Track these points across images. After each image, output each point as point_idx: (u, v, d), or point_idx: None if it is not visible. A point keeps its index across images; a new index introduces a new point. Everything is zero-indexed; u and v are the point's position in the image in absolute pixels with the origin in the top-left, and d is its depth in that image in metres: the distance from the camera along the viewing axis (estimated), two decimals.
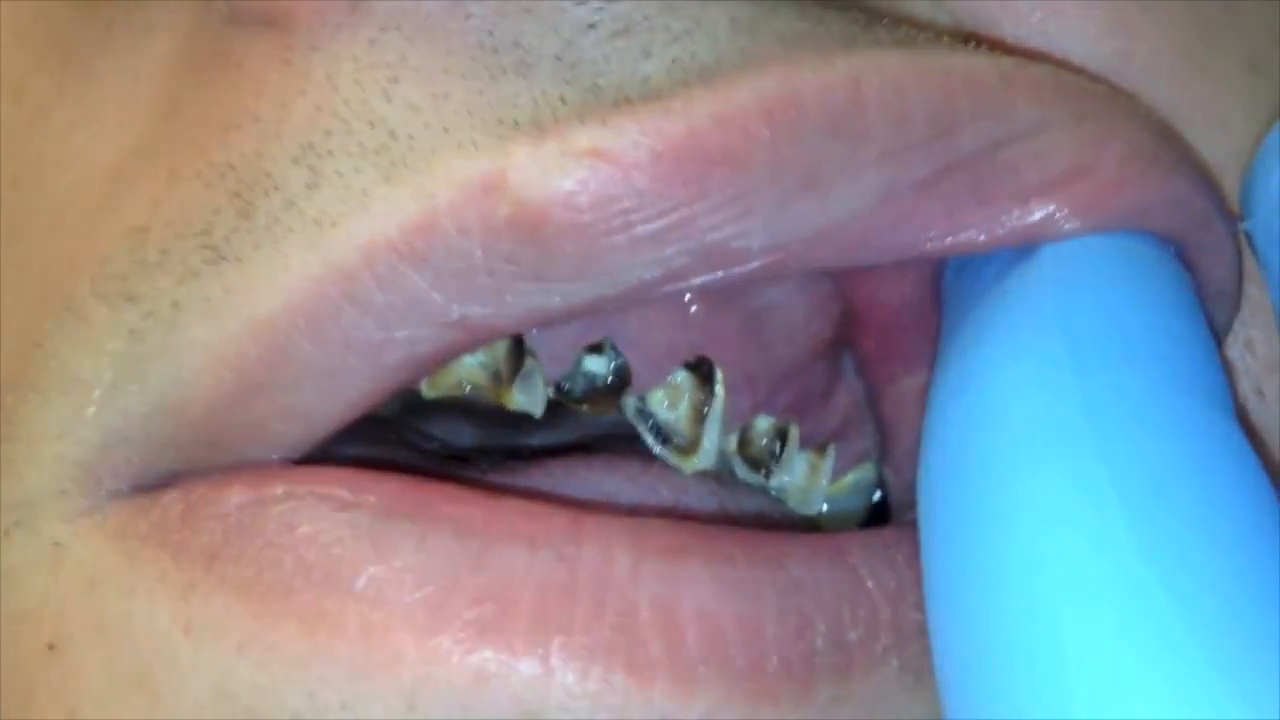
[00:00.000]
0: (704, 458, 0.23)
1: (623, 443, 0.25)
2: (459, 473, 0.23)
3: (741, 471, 0.25)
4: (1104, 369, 0.18)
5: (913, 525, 0.22)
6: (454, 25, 0.19)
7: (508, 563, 0.19)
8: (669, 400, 0.24)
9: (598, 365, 0.23)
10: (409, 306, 0.19)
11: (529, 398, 0.23)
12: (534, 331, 0.22)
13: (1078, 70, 0.21)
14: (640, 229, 0.19)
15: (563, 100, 0.19)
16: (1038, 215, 0.20)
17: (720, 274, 0.20)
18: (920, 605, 0.20)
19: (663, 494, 0.24)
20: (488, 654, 0.18)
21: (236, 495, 0.20)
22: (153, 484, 0.21)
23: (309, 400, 0.20)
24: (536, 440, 0.27)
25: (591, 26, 0.19)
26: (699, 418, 0.24)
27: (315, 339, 0.19)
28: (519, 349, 0.23)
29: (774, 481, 0.25)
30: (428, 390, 0.22)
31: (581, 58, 0.19)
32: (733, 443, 0.24)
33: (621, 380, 0.23)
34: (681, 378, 0.24)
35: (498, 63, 0.19)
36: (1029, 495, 0.17)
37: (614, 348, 0.23)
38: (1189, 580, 0.16)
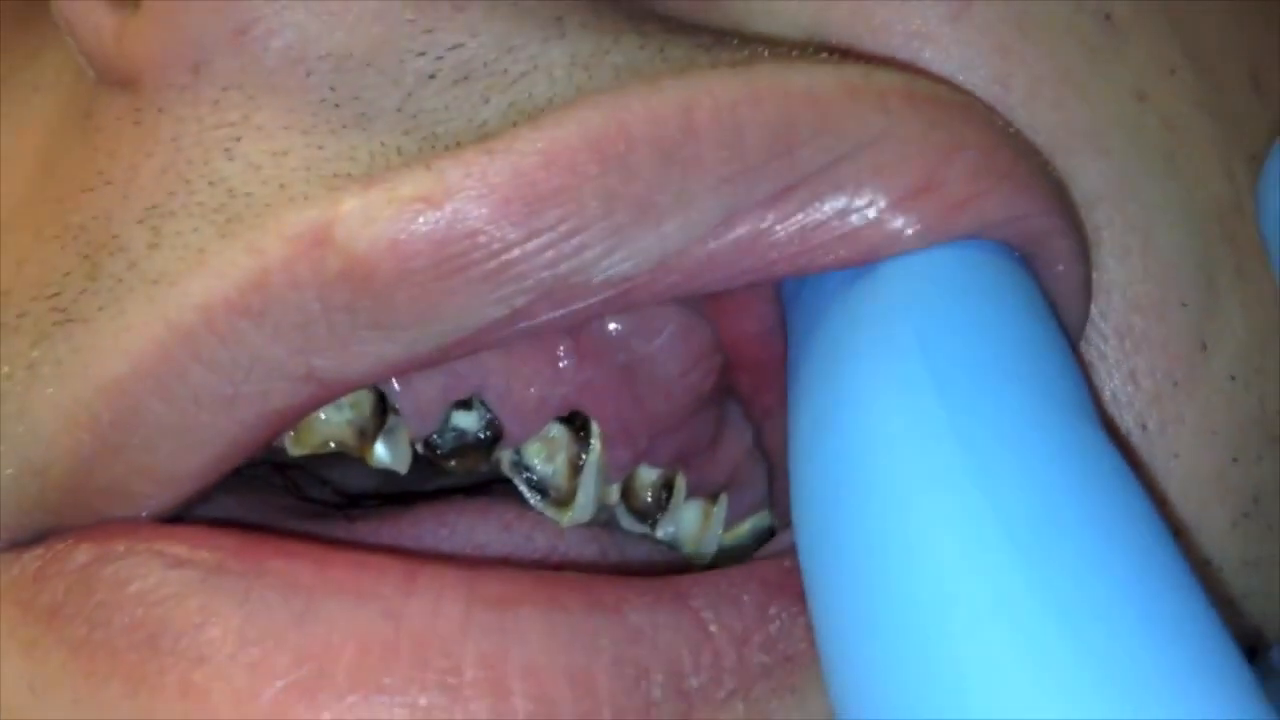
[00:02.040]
0: (580, 511, 0.23)
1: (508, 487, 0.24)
2: (324, 528, 0.23)
3: (626, 522, 0.24)
4: (969, 392, 0.18)
5: (763, 561, 0.21)
6: (294, 83, 0.19)
7: (331, 618, 0.18)
8: (546, 453, 0.23)
9: (468, 421, 0.23)
10: (253, 361, 0.19)
11: (393, 455, 0.22)
12: (397, 388, 0.22)
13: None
14: (473, 271, 0.18)
15: (399, 150, 0.19)
16: (881, 233, 0.19)
17: (563, 311, 0.19)
18: (767, 646, 0.19)
19: (538, 542, 0.23)
20: (305, 717, 0.18)
21: (83, 553, 0.20)
22: (27, 541, 0.21)
23: (167, 459, 0.20)
24: (433, 486, 0.27)
25: (432, 77, 0.19)
26: (576, 470, 0.23)
27: (163, 398, 0.19)
28: (384, 406, 0.22)
29: (660, 532, 0.24)
30: (293, 448, 0.22)
31: (422, 108, 0.19)
32: (615, 494, 0.24)
33: (495, 434, 0.23)
34: (556, 431, 0.23)
35: (339, 117, 0.19)
36: (915, 545, 0.16)
37: (483, 403, 0.23)
38: (1078, 609, 0.16)
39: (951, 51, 0.21)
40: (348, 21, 0.19)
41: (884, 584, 0.17)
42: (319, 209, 0.19)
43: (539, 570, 0.20)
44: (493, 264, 0.18)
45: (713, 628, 0.19)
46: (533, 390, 0.23)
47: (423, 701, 0.18)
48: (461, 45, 0.19)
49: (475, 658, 0.18)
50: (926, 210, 0.19)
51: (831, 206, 0.19)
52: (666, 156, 0.18)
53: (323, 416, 0.22)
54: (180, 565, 0.19)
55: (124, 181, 0.20)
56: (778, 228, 0.19)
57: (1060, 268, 0.20)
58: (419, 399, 0.22)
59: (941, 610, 0.16)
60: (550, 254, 0.18)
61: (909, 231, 0.19)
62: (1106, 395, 0.22)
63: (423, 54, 0.19)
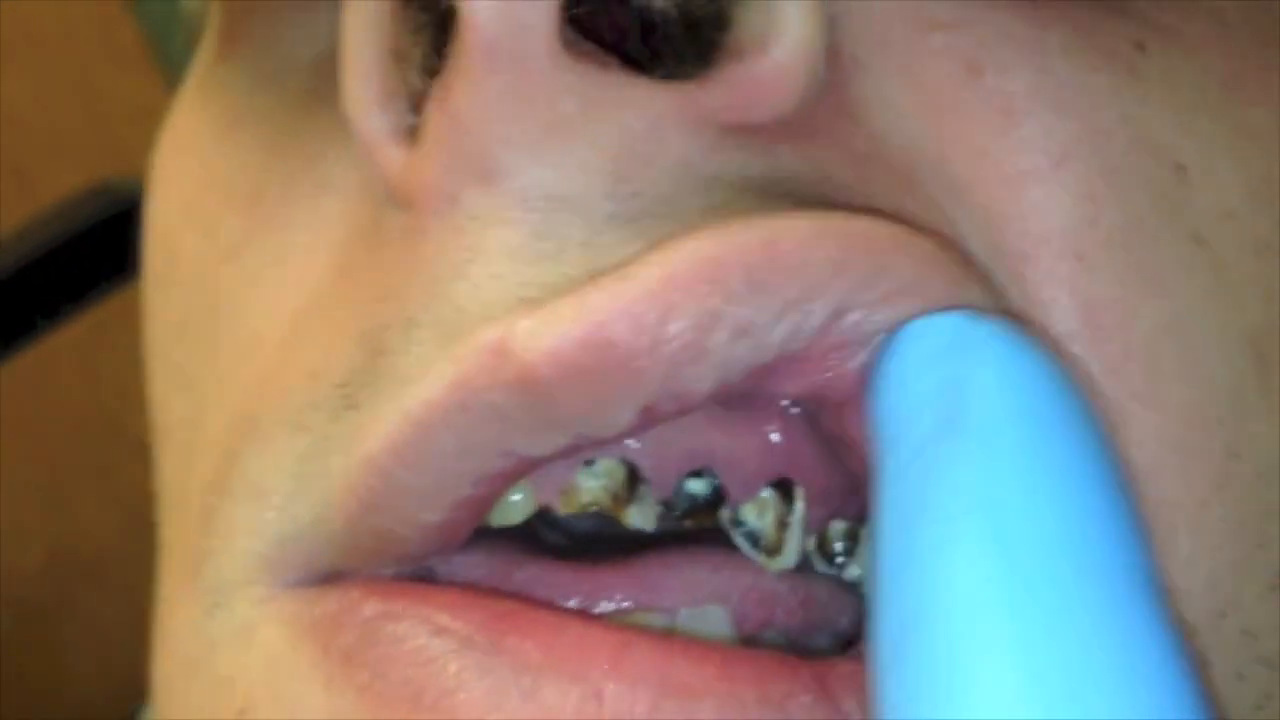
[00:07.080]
0: (787, 559, 0.28)
1: (716, 534, 0.30)
2: (562, 579, 0.28)
3: (821, 566, 0.30)
4: (1029, 561, 0.20)
5: None
6: (517, 215, 0.24)
7: (551, 696, 0.23)
8: (758, 512, 0.29)
9: (698, 487, 0.28)
10: (468, 445, 0.24)
11: (642, 516, 0.28)
12: (645, 461, 0.28)
13: None
14: (611, 378, 0.23)
15: (570, 280, 0.24)
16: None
17: (680, 410, 0.24)
18: None
19: (744, 579, 0.29)
20: None
21: (370, 607, 0.25)
22: (318, 578, 0.27)
23: (414, 513, 0.25)
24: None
25: (612, 217, 0.24)
26: (782, 526, 0.29)
27: (406, 469, 0.25)
28: (633, 476, 0.28)
29: (846, 574, 0.30)
30: (562, 508, 0.28)
31: (597, 242, 0.24)
32: (811, 543, 0.29)
33: (718, 497, 0.28)
34: (767, 494, 0.29)
35: (540, 249, 0.24)
36: (966, 706, 0.19)
37: (711, 473, 0.28)
38: None
39: (1052, 190, 0.26)
40: (568, 171, 0.24)
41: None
42: (504, 327, 0.24)
43: (725, 650, 0.25)
44: (624, 371, 0.23)
45: None
46: (751, 462, 0.28)
47: None
48: (640, 194, 0.24)
49: None
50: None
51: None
52: (754, 280, 0.23)
53: (585, 484, 0.27)
54: (441, 633, 0.24)
55: (398, 294, 0.25)
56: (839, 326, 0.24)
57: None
58: (660, 470, 0.28)
59: None
60: (666, 366, 0.23)
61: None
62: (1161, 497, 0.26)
63: (610, 197, 0.24)
